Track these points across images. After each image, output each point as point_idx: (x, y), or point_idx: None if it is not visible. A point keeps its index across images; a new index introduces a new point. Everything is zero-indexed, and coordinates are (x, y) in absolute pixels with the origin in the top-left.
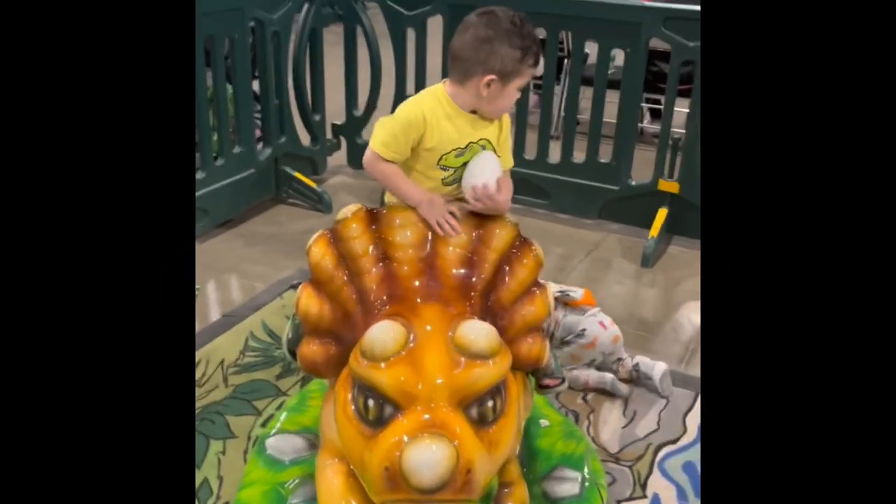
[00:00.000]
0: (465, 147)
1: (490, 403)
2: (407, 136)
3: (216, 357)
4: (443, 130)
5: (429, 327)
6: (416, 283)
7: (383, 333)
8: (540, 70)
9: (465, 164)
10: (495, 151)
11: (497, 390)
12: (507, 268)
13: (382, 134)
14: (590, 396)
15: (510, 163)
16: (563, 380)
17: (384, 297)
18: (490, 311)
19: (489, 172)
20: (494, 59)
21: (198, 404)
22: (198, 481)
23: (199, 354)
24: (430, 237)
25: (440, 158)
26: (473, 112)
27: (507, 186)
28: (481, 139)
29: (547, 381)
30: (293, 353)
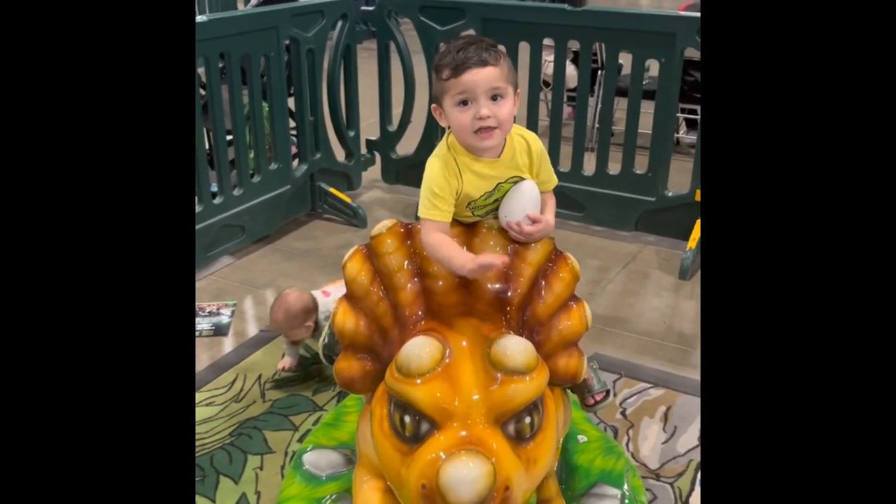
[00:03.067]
0: (494, 189)
1: (527, 420)
2: (446, 191)
3: (254, 372)
4: (467, 180)
5: (464, 343)
6: (452, 298)
7: (419, 349)
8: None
9: (496, 200)
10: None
11: (534, 406)
12: (543, 282)
13: (426, 199)
14: (629, 411)
15: (551, 183)
16: (608, 392)
17: (420, 313)
18: (526, 326)
19: (523, 206)
20: (433, 87)
21: (235, 419)
22: (235, 496)
23: (236, 369)
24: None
25: (469, 203)
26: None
27: (549, 207)
28: (510, 178)
29: (592, 399)
30: (329, 359)
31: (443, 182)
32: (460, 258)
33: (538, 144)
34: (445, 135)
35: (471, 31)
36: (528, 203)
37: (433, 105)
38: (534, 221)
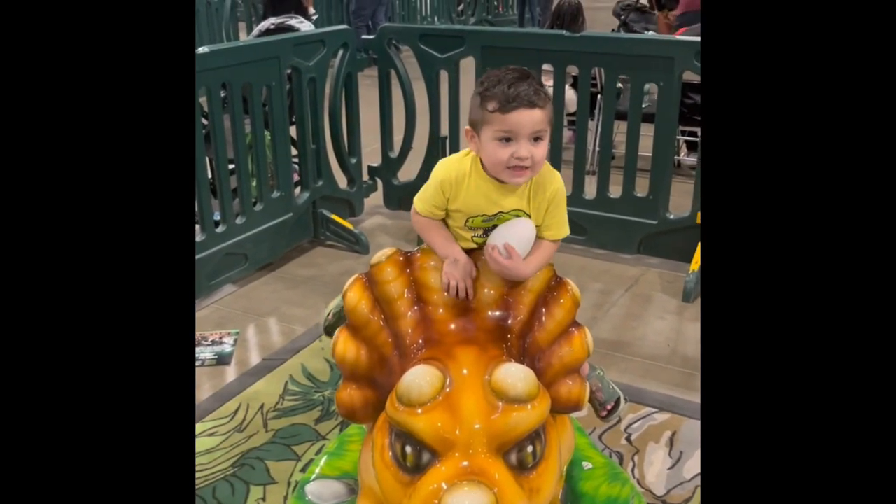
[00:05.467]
0: (494, 215)
1: (530, 449)
2: (436, 196)
3: (256, 402)
4: (469, 195)
5: (465, 371)
6: (452, 326)
7: (419, 378)
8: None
9: (494, 226)
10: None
11: (537, 435)
12: (544, 308)
13: (421, 190)
14: (634, 437)
15: (557, 233)
16: (619, 399)
17: (420, 341)
18: (527, 354)
19: (509, 237)
20: (472, 103)
21: (238, 450)
22: None
23: (238, 399)
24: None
25: (467, 220)
26: (501, 180)
27: (539, 254)
28: (514, 210)
29: (605, 410)
30: (329, 333)
31: (438, 188)
32: (445, 248)
33: (560, 186)
34: (470, 153)
35: (469, 58)
36: (516, 238)
37: (467, 128)
38: (508, 255)
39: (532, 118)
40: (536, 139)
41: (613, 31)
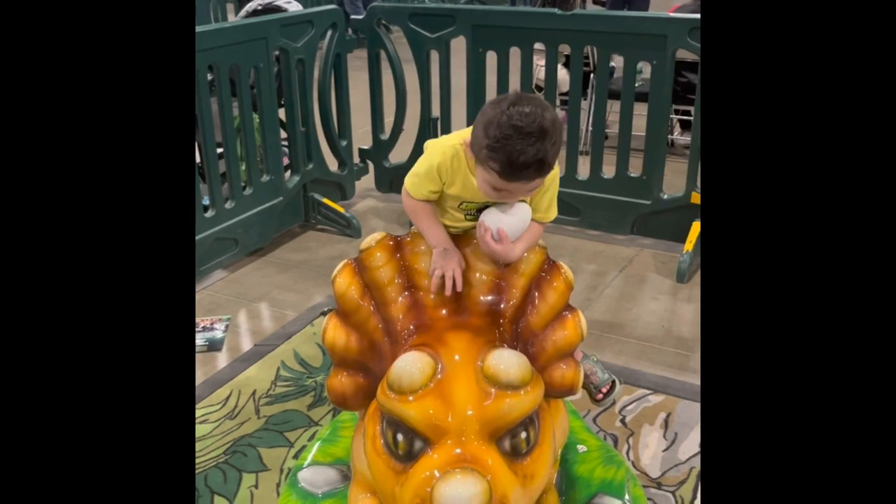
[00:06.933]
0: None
1: (523, 435)
2: (431, 180)
3: (248, 388)
4: (466, 183)
5: (457, 357)
6: (443, 311)
7: (410, 365)
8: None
9: (486, 205)
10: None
11: (530, 421)
12: (537, 292)
13: (413, 174)
14: (629, 419)
15: (545, 216)
16: (614, 382)
17: (411, 327)
18: (520, 338)
19: (503, 221)
20: (474, 131)
21: (230, 436)
22: None
23: (230, 386)
24: None
25: (461, 203)
26: None
27: (527, 238)
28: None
29: (600, 394)
30: None
31: (429, 175)
32: (435, 237)
33: (555, 171)
34: (462, 139)
35: (460, 38)
36: (510, 222)
37: (465, 142)
38: (499, 239)
39: (530, 186)
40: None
41: None
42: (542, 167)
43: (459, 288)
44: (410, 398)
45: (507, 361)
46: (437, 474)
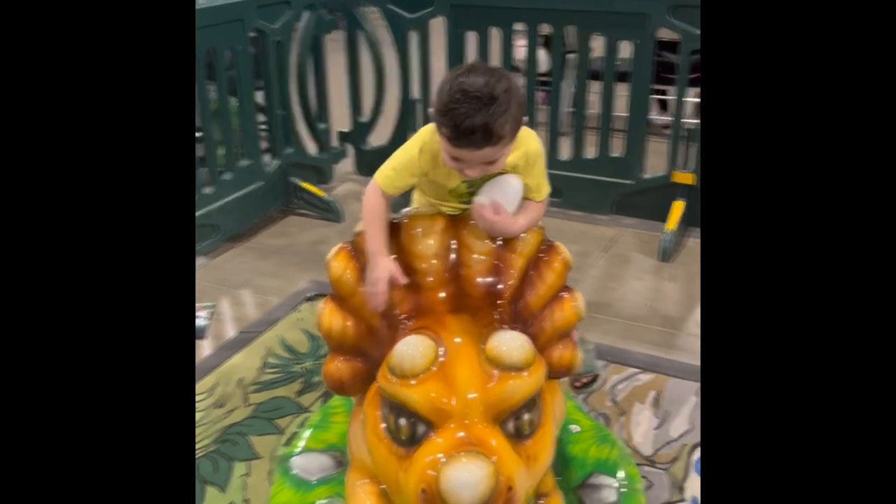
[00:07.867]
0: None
1: (526, 416)
2: (406, 174)
3: (235, 376)
4: (443, 172)
5: (458, 340)
6: (442, 294)
7: (412, 349)
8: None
9: (478, 187)
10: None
11: (533, 402)
12: (535, 273)
13: (389, 167)
14: (620, 398)
15: (537, 194)
16: (595, 377)
17: (409, 311)
18: (519, 319)
19: (496, 193)
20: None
21: (218, 425)
22: None
23: (216, 374)
24: (453, 245)
25: (450, 190)
26: None
27: (527, 215)
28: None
29: (580, 382)
30: None
31: (408, 162)
32: (374, 245)
33: (533, 147)
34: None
35: (440, 18)
36: (502, 192)
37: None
38: (496, 212)
39: (482, 155)
40: (490, 162)
41: None
42: (490, 134)
43: (380, 307)
44: (413, 382)
45: (510, 343)
46: (442, 458)
